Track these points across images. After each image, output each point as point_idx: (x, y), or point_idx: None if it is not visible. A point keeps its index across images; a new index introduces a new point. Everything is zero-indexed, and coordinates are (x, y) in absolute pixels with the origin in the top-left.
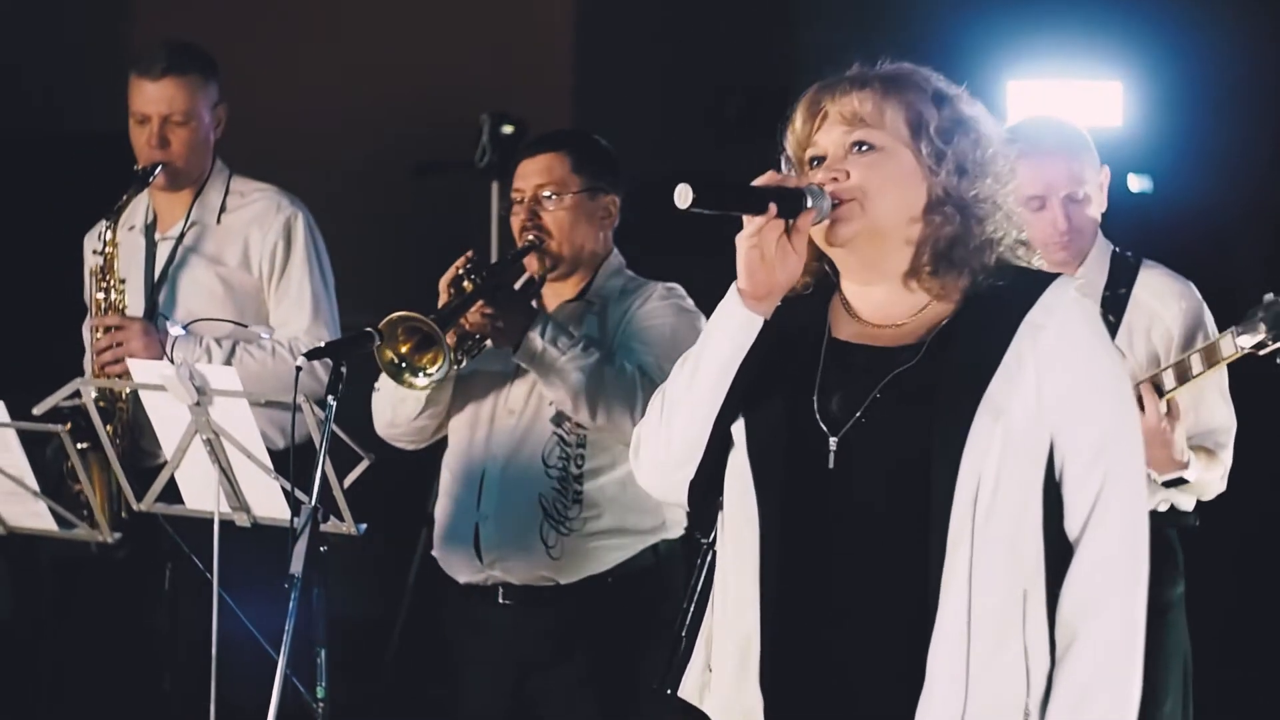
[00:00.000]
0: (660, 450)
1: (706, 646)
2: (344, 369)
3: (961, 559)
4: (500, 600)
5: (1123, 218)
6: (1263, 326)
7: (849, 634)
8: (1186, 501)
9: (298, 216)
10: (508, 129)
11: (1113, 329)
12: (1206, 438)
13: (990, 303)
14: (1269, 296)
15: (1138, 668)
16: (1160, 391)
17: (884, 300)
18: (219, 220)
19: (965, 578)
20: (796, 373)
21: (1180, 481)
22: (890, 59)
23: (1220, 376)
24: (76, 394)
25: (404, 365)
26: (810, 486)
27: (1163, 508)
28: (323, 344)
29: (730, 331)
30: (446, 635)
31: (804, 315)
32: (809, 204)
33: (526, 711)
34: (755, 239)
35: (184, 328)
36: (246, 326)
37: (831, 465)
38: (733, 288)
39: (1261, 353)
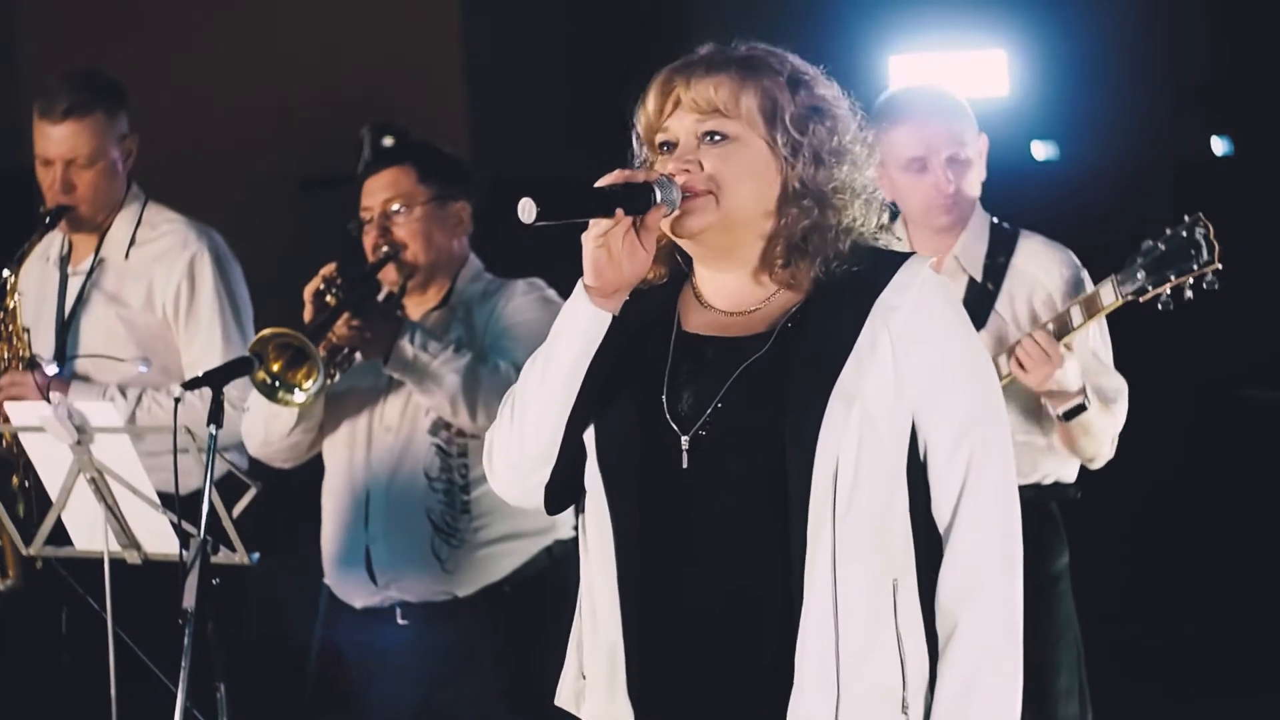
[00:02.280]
0: (514, 454)
1: (578, 652)
2: (223, 398)
3: (824, 551)
4: (399, 620)
5: (1029, 185)
6: (1141, 273)
7: (714, 636)
8: (1069, 472)
9: (203, 253)
10: (388, 140)
11: (992, 296)
12: (1099, 394)
13: (842, 286)
14: (1147, 243)
15: (1019, 651)
16: None
17: (735, 288)
18: (127, 255)
19: (829, 570)
20: (646, 371)
21: (1080, 410)
22: (748, 39)
23: (1100, 347)
24: None
25: (278, 384)
26: (665, 489)
27: (1046, 481)
28: (200, 374)
29: (578, 330)
30: (347, 660)
31: (654, 307)
32: (658, 198)
33: None
34: (602, 239)
35: (59, 366)
36: (124, 361)
37: (685, 465)
38: (580, 284)
39: (1142, 299)
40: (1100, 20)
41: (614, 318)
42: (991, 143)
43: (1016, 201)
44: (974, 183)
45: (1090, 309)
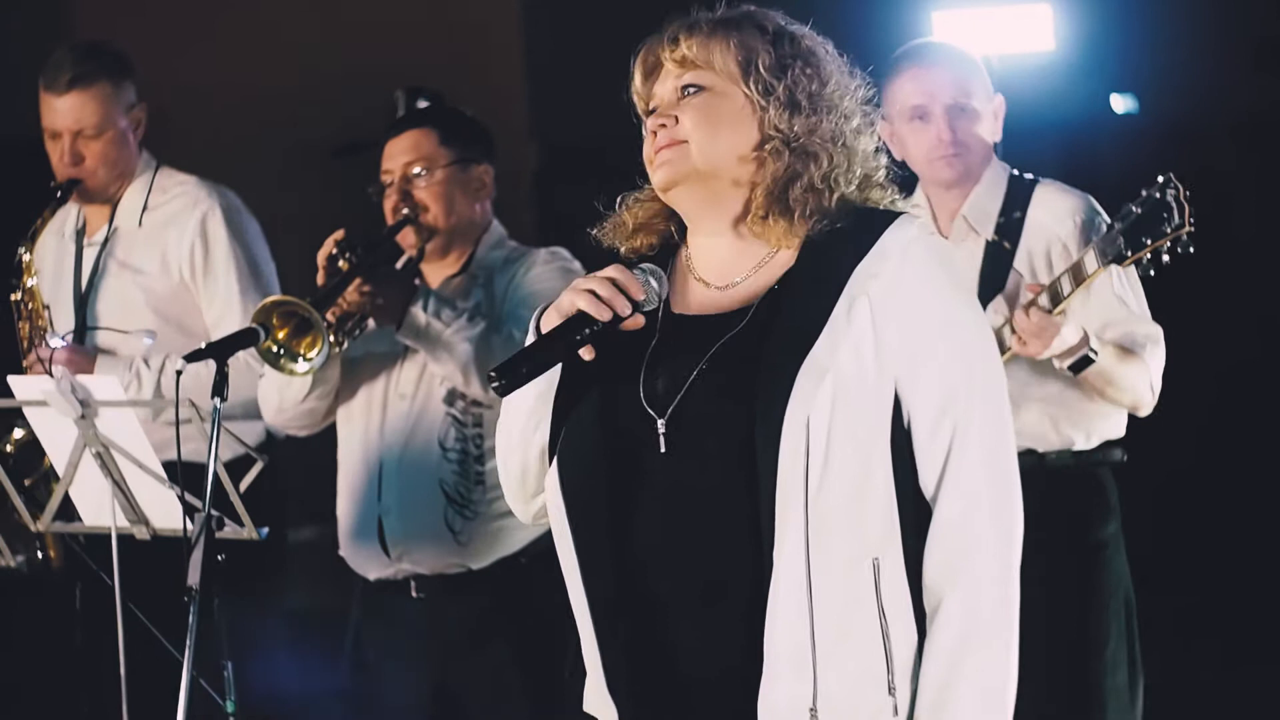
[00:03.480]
0: (512, 485)
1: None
2: (227, 370)
3: (794, 532)
4: (413, 594)
5: (1109, 139)
6: (1120, 239)
7: (689, 626)
8: (1117, 428)
9: (214, 210)
10: (423, 104)
11: (1009, 254)
12: (1123, 339)
13: (825, 252)
14: (1125, 207)
15: (1011, 626)
16: None
17: (724, 254)
18: (140, 223)
19: (801, 551)
20: (626, 357)
21: (1087, 361)
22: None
23: (1127, 294)
24: None
25: (282, 352)
26: (643, 475)
27: (1092, 444)
28: (202, 345)
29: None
30: (362, 633)
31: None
32: (643, 305)
33: (450, 704)
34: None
35: (62, 338)
36: (127, 333)
37: (664, 449)
38: (534, 322)
39: (1122, 265)
40: None
41: None
42: (1036, 97)
43: (1093, 156)
44: (982, 136)
45: (1077, 277)
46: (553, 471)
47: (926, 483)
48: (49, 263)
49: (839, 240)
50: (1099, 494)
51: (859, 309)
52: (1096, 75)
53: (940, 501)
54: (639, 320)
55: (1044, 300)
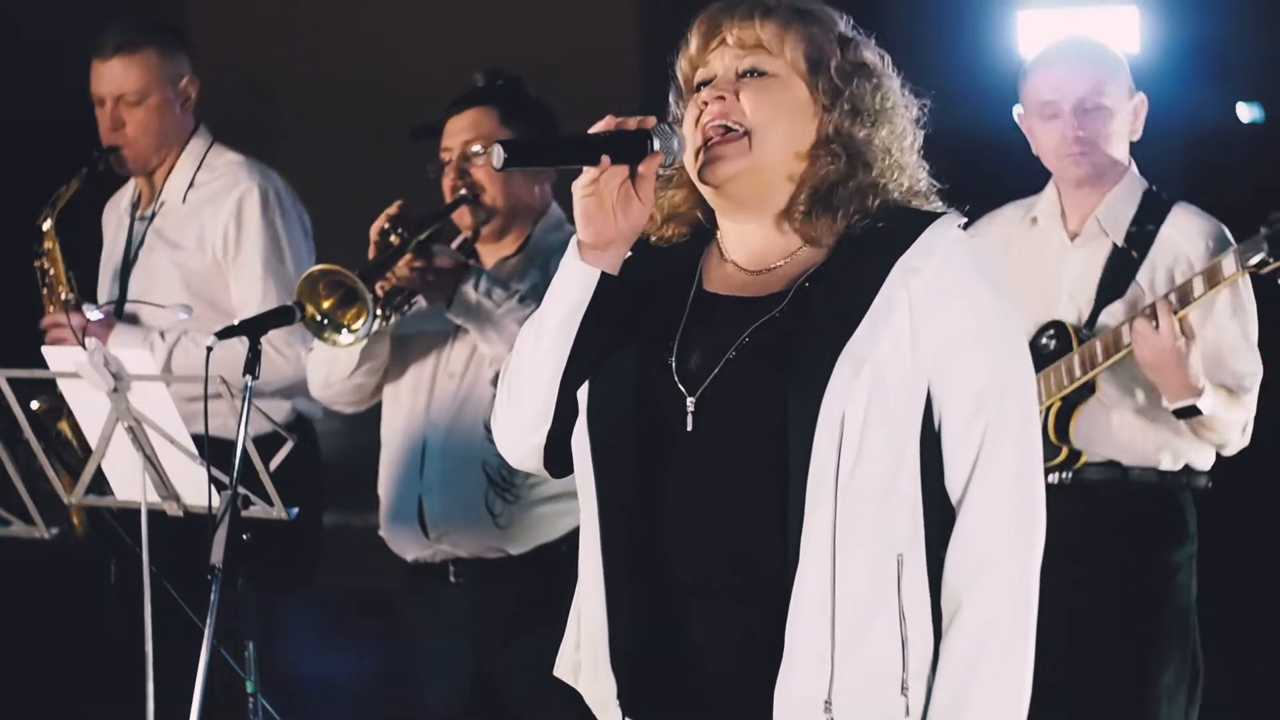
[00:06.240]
0: (511, 415)
1: (578, 623)
2: (260, 347)
3: (822, 521)
4: (452, 579)
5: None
6: (1265, 245)
7: (705, 609)
8: (1204, 459)
9: (252, 191)
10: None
11: (1135, 265)
12: (1227, 376)
13: (865, 245)
14: (1274, 214)
15: (1028, 636)
16: None
17: (758, 241)
18: (185, 199)
19: (828, 541)
20: (658, 330)
21: (1193, 412)
22: None
23: (1246, 321)
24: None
25: (326, 322)
26: (667, 452)
27: (1176, 466)
28: (235, 322)
29: (566, 286)
30: (399, 617)
31: (676, 265)
32: (655, 147)
33: (489, 692)
34: (591, 188)
35: (99, 310)
36: (164, 307)
37: (690, 428)
38: (573, 238)
39: (1263, 271)
40: None
41: (626, 274)
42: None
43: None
44: (1114, 136)
45: (1211, 279)
46: (582, 432)
47: (953, 485)
48: (109, 236)
49: (880, 234)
50: (1176, 519)
51: (899, 303)
52: (1183, 79)
53: (965, 505)
54: (658, 159)
55: (1172, 299)
